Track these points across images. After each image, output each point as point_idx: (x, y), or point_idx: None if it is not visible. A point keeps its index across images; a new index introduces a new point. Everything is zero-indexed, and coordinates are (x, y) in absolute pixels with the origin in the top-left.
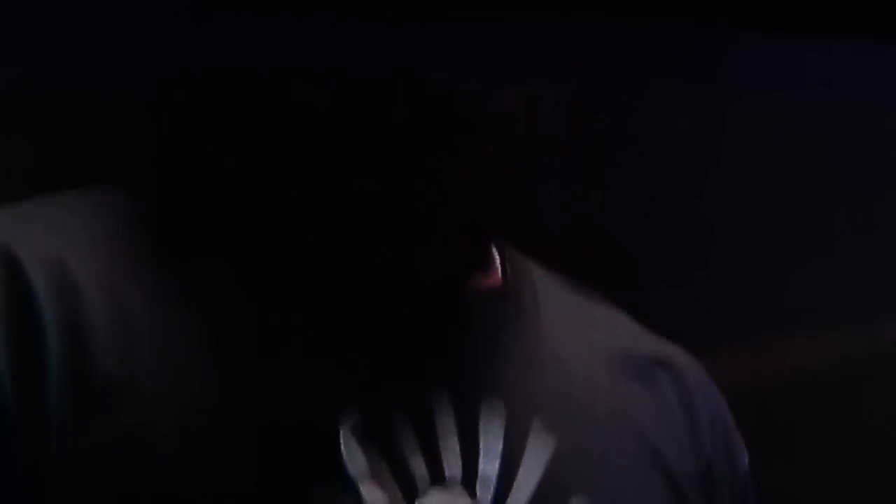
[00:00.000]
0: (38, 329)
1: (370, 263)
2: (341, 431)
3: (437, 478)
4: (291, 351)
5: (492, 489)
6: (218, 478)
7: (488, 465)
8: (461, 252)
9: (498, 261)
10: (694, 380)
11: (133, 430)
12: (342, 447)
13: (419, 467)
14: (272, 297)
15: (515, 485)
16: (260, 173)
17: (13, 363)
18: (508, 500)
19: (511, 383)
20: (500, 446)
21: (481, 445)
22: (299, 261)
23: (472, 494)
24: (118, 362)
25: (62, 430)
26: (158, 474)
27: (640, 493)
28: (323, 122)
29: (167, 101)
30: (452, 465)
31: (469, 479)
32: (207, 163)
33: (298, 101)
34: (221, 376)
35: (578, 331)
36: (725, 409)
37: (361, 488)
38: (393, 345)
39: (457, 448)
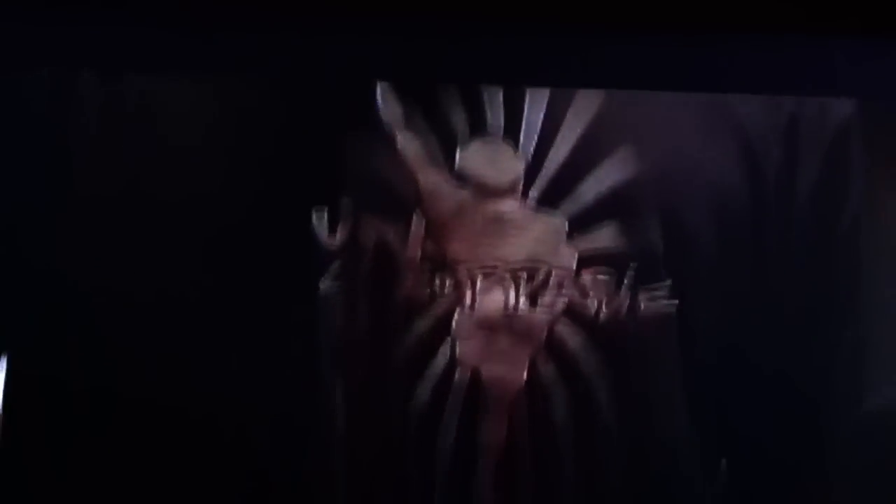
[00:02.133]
0: None
1: None
2: (378, 83)
3: (478, 128)
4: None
5: (535, 139)
6: (249, 169)
7: (532, 116)
8: None
9: None
10: None
11: (166, 141)
12: (377, 96)
13: (459, 118)
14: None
15: (559, 134)
16: None
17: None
18: (552, 150)
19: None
20: (545, 99)
21: (527, 98)
22: None
23: (515, 145)
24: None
25: (98, 140)
26: (194, 184)
27: (698, 144)
28: None
29: None
30: (495, 116)
31: (512, 131)
32: None
33: None
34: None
35: None
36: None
37: (397, 136)
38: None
39: (500, 100)
